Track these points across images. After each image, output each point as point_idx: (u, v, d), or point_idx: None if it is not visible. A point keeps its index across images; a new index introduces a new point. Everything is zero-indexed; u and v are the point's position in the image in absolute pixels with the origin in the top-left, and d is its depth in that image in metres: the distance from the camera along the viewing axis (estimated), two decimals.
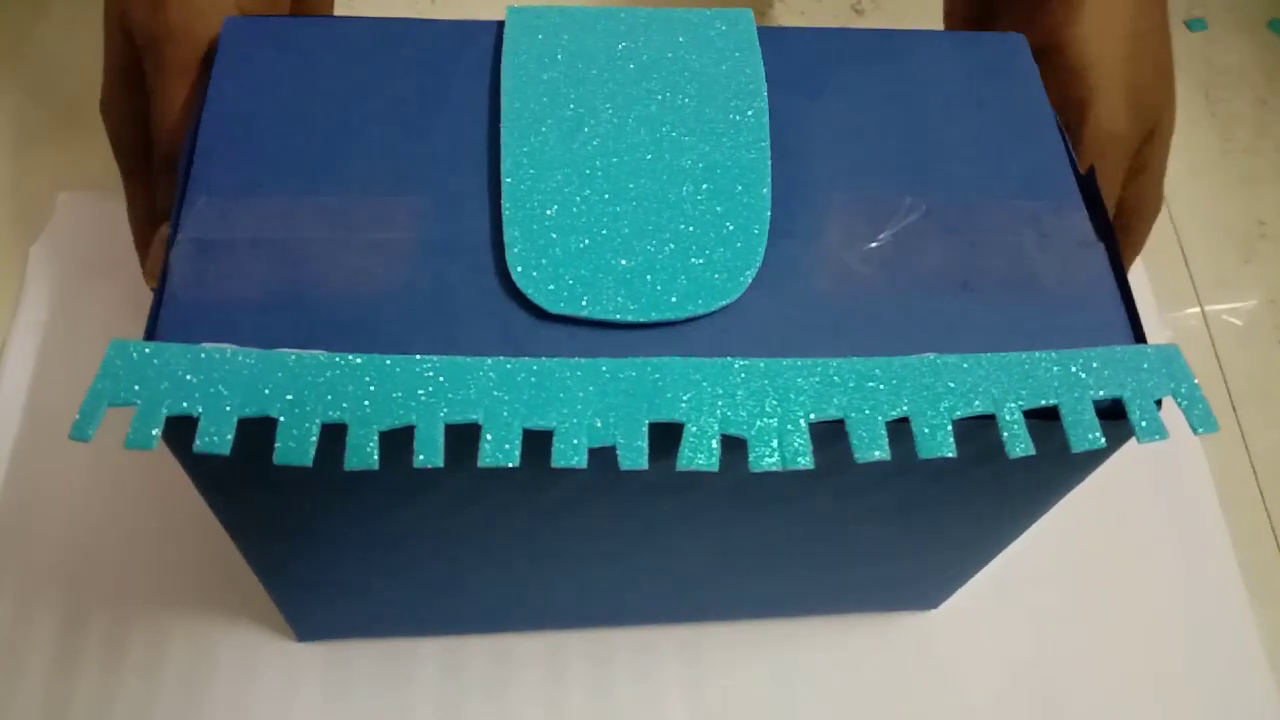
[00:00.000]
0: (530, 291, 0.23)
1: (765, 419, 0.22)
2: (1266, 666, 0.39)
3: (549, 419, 0.21)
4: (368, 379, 0.21)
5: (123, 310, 0.41)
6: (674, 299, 0.24)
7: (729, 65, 0.28)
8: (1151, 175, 0.34)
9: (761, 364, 0.22)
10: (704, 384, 0.22)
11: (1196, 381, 0.23)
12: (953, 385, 0.23)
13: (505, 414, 0.21)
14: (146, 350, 0.21)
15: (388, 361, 0.21)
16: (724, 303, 0.24)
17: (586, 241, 0.24)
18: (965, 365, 0.23)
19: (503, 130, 0.26)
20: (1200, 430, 0.23)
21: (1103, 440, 0.22)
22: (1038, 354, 0.23)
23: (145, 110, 0.30)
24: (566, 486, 0.25)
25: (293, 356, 0.21)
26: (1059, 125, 0.28)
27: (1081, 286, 0.25)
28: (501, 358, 0.22)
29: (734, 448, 0.22)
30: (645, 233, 0.25)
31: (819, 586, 0.35)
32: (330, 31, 0.27)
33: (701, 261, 0.24)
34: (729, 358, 0.22)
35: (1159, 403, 0.23)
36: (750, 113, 0.27)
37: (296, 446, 0.20)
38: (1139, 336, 0.25)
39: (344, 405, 0.21)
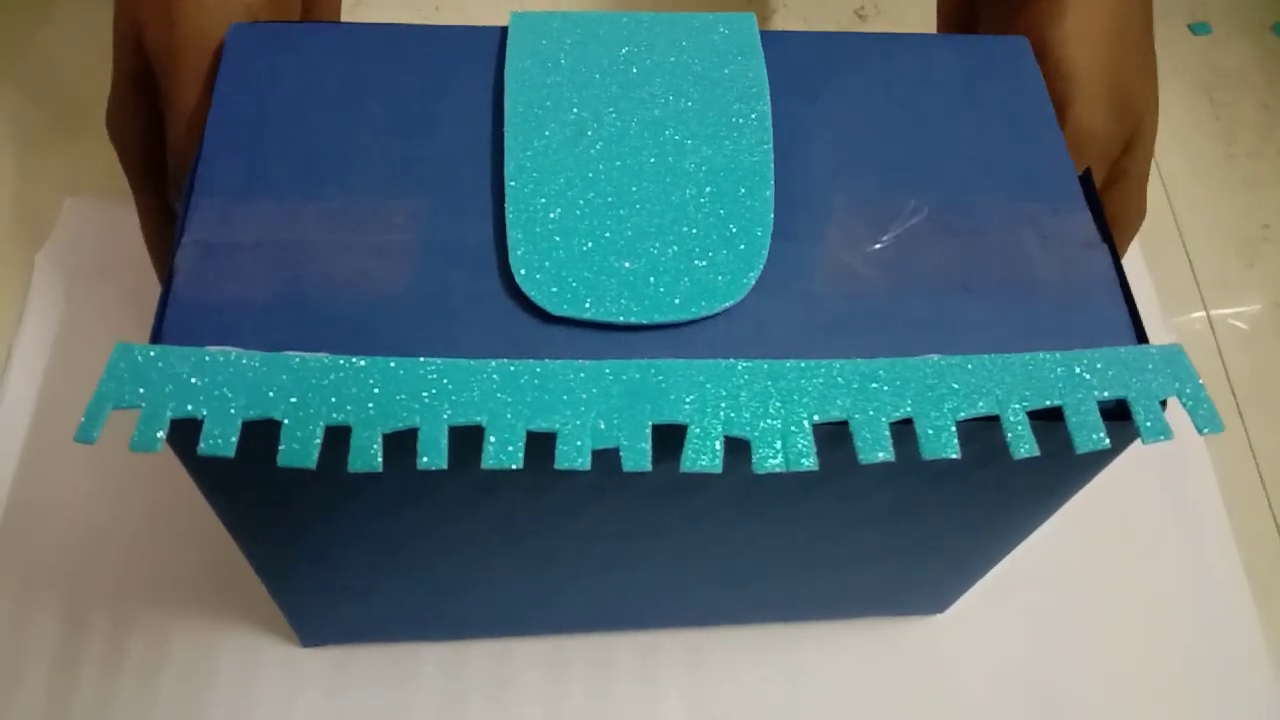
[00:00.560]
0: (534, 294, 0.24)
1: (769, 420, 0.22)
2: (1270, 667, 0.39)
3: (552, 421, 0.21)
4: (371, 381, 0.21)
5: (129, 314, 0.41)
6: (677, 301, 0.24)
7: (732, 69, 0.28)
8: (1134, 181, 0.34)
9: (765, 365, 0.22)
10: (707, 385, 0.22)
11: (1201, 382, 0.23)
12: (956, 386, 0.23)
13: (509, 416, 0.21)
14: (151, 353, 0.21)
15: (391, 364, 0.21)
16: (727, 304, 0.24)
17: (590, 244, 0.24)
18: (969, 366, 0.23)
19: (506, 134, 0.26)
20: (1205, 430, 0.22)
21: (1107, 441, 0.22)
22: (1042, 355, 0.23)
23: (156, 121, 0.30)
24: (570, 488, 0.25)
25: (297, 359, 0.21)
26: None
27: (1085, 287, 0.25)
28: (505, 360, 0.22)
29: (738, 449, 0.22)
30: (648, 235, 0.25)
31: (823, 590, 0.35)
32: (334, 37, 0.28)
33: (705, 264, 0.24)
34: (732, 359, 0.22)
35: (1164, 403, 0.23)
36: (753, 116, 0.27)
37: (300, 449, 0.21)
38: (1141, 338, 0.25)
39: (348, 407, 0.21)
